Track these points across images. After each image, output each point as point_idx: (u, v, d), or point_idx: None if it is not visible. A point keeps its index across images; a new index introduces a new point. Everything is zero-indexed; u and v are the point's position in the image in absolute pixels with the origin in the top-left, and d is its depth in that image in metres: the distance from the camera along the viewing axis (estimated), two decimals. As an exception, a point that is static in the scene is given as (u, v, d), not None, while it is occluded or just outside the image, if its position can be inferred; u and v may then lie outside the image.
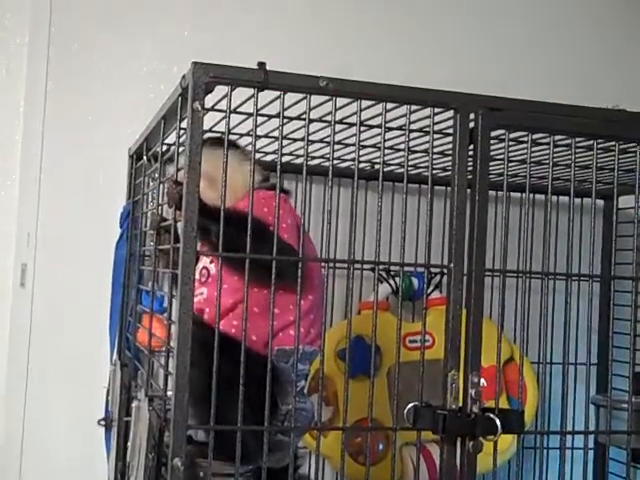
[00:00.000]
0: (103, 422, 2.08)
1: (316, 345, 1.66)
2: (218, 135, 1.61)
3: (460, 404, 1.32)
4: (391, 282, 2.28)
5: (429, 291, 2.24)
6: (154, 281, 1.68)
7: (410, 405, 1.33)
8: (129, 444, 1.61)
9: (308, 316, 1.61)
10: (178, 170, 1.42)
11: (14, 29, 2.33)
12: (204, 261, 1.71)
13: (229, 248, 1.31)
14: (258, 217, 1.43)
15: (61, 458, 2.26)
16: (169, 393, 1.33)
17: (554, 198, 2.07)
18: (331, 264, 2.13)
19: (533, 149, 1.49)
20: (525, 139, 1.49)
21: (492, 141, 1.42)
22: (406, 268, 2.08)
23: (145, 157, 1.90)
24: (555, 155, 1.61)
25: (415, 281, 2.30)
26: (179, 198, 1.41)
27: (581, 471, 1.53)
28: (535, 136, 1.49)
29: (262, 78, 1.30)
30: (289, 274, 1.35)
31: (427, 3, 2.59)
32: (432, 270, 2.14)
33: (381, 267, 2.16)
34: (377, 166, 2.26)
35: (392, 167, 2.18)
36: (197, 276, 1.68)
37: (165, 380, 1.43)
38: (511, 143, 1.51)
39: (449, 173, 2.10)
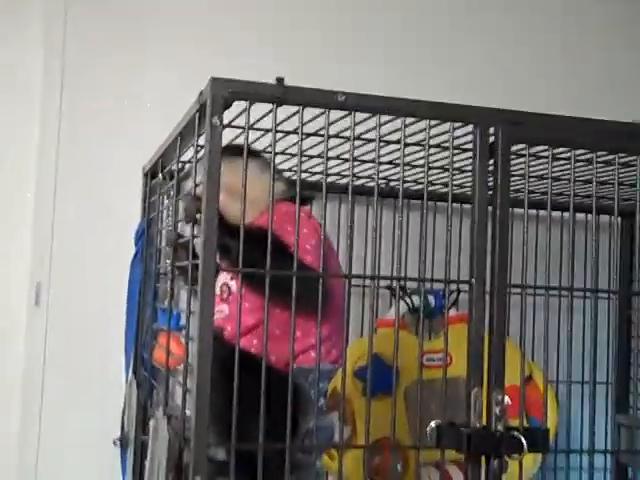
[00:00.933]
0: (119, 441, 2.06)
1: (336, 363, 1.64)
2: (237, 144, 1.55)
3: (484, 422, 1.29)
4: (407, 300, 2.26)
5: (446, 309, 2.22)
6: (171, 299, 1.67)
7: (433, 424, 1.31)
8: (146, 463, 1.59)
9: (329, 340, 1.59)
10: (196, 185, 1.41)
11: (29, 49, 2.33)
12: (224, 277, 1.70)
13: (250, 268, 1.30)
14: (280, 238, 1.42)
15: (77, 477, 2.24)
16: (188, 411, 1.31)
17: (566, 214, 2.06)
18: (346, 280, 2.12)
19: (553, 164, 1.47)
20: (544, 154, 1.48)
21: (511, 156, 1.41)
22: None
23: (161, 174, 1.90)
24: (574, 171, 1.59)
25: (431, 299, 2.28)
26: (197, 213, 1.41)
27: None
28: (555, 151, 1.47)
29: (281, 93, 1.29)
30: (311, 299, 1.33)
31: (446, 21, 2.60)
32: (450, 288, 2.12)
33: (399, 284, 2.14)
34: (392, 183, 2.25)
35: (408, 184, 2.17)
36: (217, 292, 1.67)
37: (184, 398, 1.42)
38: (531, 158, 1.50)
39: (465, 190, 2.12)
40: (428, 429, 1.32)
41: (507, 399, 1.30)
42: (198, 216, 1.34)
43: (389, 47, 2.52)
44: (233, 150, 1.45)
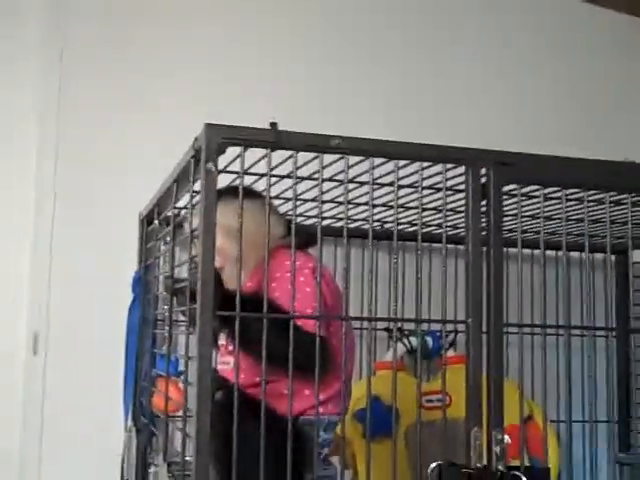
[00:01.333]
0: (119, 490, 2.05)
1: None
2: (235, 185, 1.51)
3: (485, 462, 1.29)
4: (405, 341, 2.27)
5: (444, 350, 2.22)
6: (169, 344, 1.67)
7: (434, 464, 1.31)
8: (147, 512, 1.58)
9: (337, 398, 1.57)
10: (192, 232, 1.42)
11: (21, 95, 2.36)
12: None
13: (251, 337, 1.31)
14: (278, 306, 1.43)
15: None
16: (188, 457, 1.31)
17: (555, 253, 2.08)
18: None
19: (545, 203, 1.49)
20: (536, 194, 1.50)
21: (503, 196, 1.43)
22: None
23: (157, 220, 1.91)
24: (565, 210, 1.61)
25: (429, 340, 2.28)
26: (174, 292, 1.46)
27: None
28: (546, 190, 1.49)
29: (274, 138, 1.31)
30: (312, 368, 1.34)
31: (438, 59, 2.65)
32: (447, 328, 2.13)
33: (396, 326, 2.15)
34: (387, 225, 2.27)
35: (402, 226, 2.18)
36: (223, 342, 1.67)
37: (183, 444, 1.41)
38: (523, 198, 1.52)
39: (459, 231, 2.14)
40: (429, 470, 1.31)
41: (507, 438, 1.30)
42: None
43: (377, 94, 2.56)
44: (231, 192, 1.46)
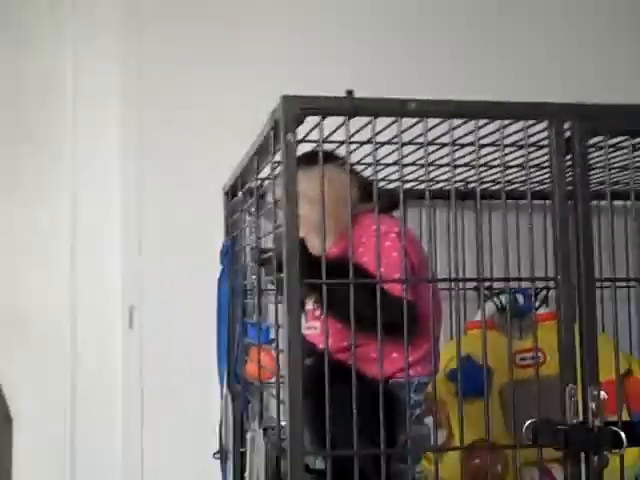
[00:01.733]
0: (218, 455, 2.11)
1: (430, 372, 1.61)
2: (313, 151, 1.50)
3: (581, 418, 1.28)
4: (495, 300, 2.25)
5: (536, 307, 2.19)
6: (259, 314, 1.70)
7: (529, 422, 1.30)
8: (246, 475, 1.63)
9: (425, 359, 1.58)
10: (275, 202, 1.44)
11: (106, 78, 2.42)
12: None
13: (340, 302, 1.32)
14: (365, 270, 1.43)
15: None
16: (283, 423, 1.34)
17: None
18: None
19: (635, 153, 1.45)
20: (624, 144, 1.45)
21: (589, 149, 1.39)
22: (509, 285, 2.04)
23: (240, 193, 1.94)
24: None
25: (520, 298, 2.25)
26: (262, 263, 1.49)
27: None
28: (635, 140, 1.44)
29: (351, 106, 1.31)
30: (400, 331, 1.35)
31: (507, 17, 2.58)
32: (537, 285, 2.10)
33: (485, 285, 2.13)
34: (471, 185, 2.24)
35: (486, 184, 2.16)
36: (310, 307, 1.68)
37: (278, 409, 1.45)
38: (609, 149, 1.47)
39: (545, 186, 2.09)
40: (524, 428, 1.31)
41: (603, 394, 1.28)
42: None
43: (454, 47, 2.52)
44: (311, 158, 1.45)
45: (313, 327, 1.66)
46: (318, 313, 1.66)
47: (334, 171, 1.53)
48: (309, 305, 1.69)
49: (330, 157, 1.58)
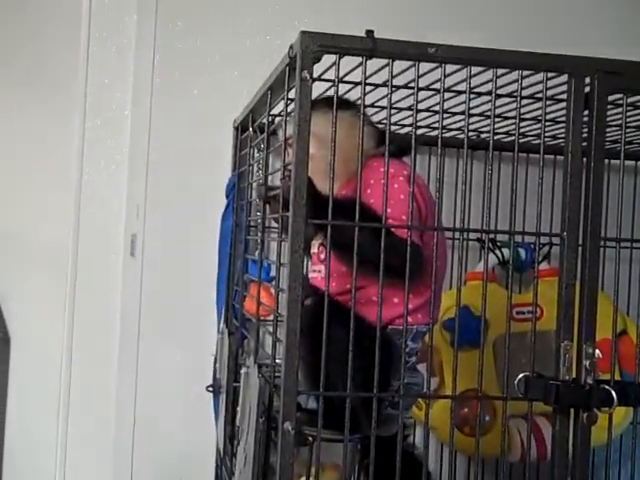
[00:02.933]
0: (211, 388, 2.13)
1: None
2: (327, 96, 1.52)
3: (574, 375, 1.29)
4: (497, 253, 2.25)
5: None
6: (261, 250, 1.70)
7: (521, 375, 1.31)
8: (238, 409, 1.65)
9: (426, 307, 1.57)
10: (287, 140, 1.42)
11: (122, 8, 2.38)
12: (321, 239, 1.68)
13: (344, 243, 1.31)
14: (374, 211, 1.42)
15: (172, 422, 2.34)
16: (278, 360, 1.35)
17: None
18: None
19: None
20: (641, 104, 1.43)
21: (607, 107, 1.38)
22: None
23: (251, 128, 1.92)
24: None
25: (522, 252, 2.26)
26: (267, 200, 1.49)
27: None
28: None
29: (370, 46, 1.28)
30: (403, 275, 1.34)
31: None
32: (541, 241, 2.10)
33: (488, 237, 2.13)
34: (483, 135, 2.22)
35: (499, 136, 2.14)
36: (315, 250, 1.68)
37: (274, 347, 1.46)
38: (629, 108, 1.45)
39: (558, 141, 2.07)
40: (516, 381, 1.32)
41: (598, 352, 1.29)
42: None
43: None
44: (325, 101, 1.44)
45: (317, 270, 1.65)
46: (323, 256, 1.64)
47: (347, 116, 1.52)
48: (314, 248, 1.68)
49: (345, 103, 1.57)
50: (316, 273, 1.66)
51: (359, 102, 1.35)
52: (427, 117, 1.99)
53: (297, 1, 2.38)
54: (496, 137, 2.13)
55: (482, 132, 2.18)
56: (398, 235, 1.43)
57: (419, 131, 2.13)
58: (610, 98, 1.38)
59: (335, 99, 1.31)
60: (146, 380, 2.34)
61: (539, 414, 1.86)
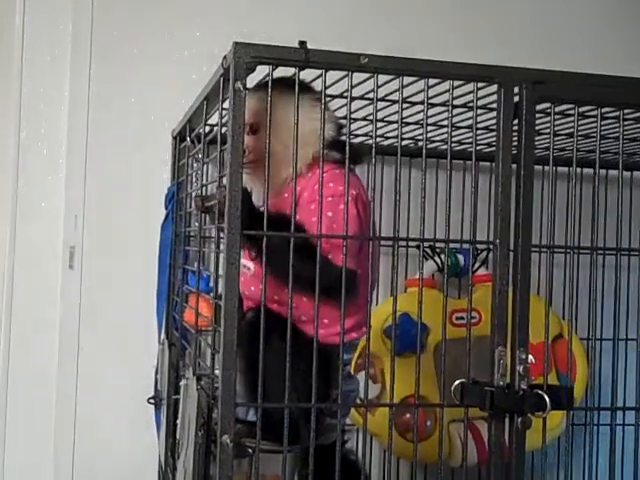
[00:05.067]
0: (152, 400, 2.11)
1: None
2: (288, 76, 1.41)
3: (508, 380, 1.31)
4: (437, 259, 2.27)
5: (475, 268, 2.23)
6: (200, 262, 1.70)
7: (457, 382, 1.33)
8: (178, 421, 1.64)
9: (360, 325, 1.55)
10: (222, 151, 1.42)
11: (58, 16, 2.35)
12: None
13: (276, 260, 1.30)
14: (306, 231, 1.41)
15: (112, 435, 2.31)
16: (216, 371, 1.34)
17: (603, 172, 2.05)
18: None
19: (581, 122, 1.46)
20: (572, 112, 1.47)
21: (538, 115, 1.40)
22: (452, 245, 2.06)
23: (189, 138, 1.91)
24: (603, 127, 1.58)
25: (461, 258, 2.29)
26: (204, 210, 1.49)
27: (632, 448, 1.51)
28: (582, 108, 1.46)
29: (303, 57, 1.29)
30: (338, 293, 1.33)
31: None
32: (478, 247, 2.13)
33: (426, 244, 2.15)
34: (420, 143, 2.25)
35: (436, 143, 2.16)
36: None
37: (212, 359, 1.45)
38: (558, 116, 1.48)
39: (494, 148, 2.10)
40: (453, 387, 1.34)
41: (531, 357, 1.31)
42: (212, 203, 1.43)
43: (410, 7, 2.49)
44: (285, 82, 1.39)
45: (246, 267, 1.61)
46: (254, 254, 1.59)
47: (308, 104, 1.47)
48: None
49: (305, 88, 1.46)
50: (244, 269, 1.59)
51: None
52: (364, 126, 2.01)
53: (234, 10, 2.37)
54: (433, 145, 2.17)
55: (419, 140, 2.21)
56: (333, 261, 1.42)
57: (357, 140, 2.14)
58: (542, 107, 1.41)
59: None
60: (86, 393, 2.30)
61: (479, 418, 1.88)
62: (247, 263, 1.61)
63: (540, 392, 1.29)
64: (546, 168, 1.41)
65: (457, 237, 2.10)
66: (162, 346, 2.07)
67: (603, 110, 1.45)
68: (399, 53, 1.35)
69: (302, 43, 1.30)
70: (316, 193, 1.43)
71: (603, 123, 1.50)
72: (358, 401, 1.75)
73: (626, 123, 1.49)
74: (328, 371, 1.43)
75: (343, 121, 1.52)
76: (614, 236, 1.47)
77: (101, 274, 2.31)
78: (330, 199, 1.46)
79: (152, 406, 2.13)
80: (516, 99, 1.37)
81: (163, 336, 2.10)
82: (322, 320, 1.43)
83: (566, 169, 1.81)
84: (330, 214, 1.45)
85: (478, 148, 1.85)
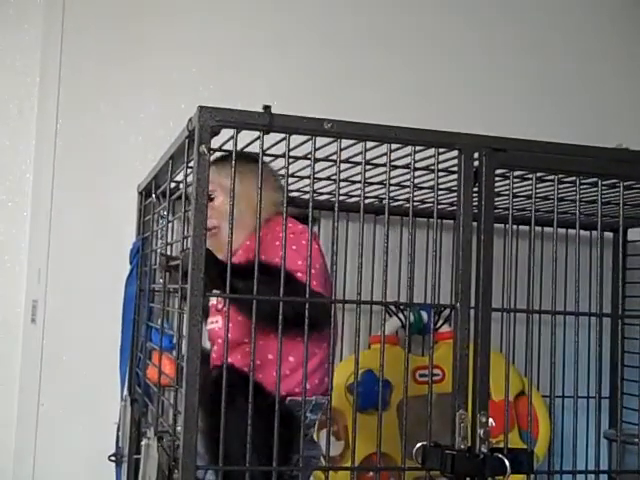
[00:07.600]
0: (114, 458, 2.08)
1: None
2: (249, 152, 1.48)
3: (469, 444, 1.31)
4: (400, 316, 2.29)
5: (439, 325, 2.25)
6: (163, 319, 1.69)
7: (419, 445, 1.33)
8: (139, 482, 1.62)
9: (323, 366, 1.57)
10: (186, 211, 1.43)
11: (25, 70, 2.37)
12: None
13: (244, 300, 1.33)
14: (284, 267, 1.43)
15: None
16: (178, 428, 1.33)
17: (563, 231, 2.09)
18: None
19: (540, 184, 1.49)
20: (530, 175, 1.50)
21: (498, 177, 1.44)
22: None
23: (154, 195, 1.92)
24: (562, 190, 1.62)
25: (425, 315, 2.30)
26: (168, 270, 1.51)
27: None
28: (540, 173, 1.50)
29: (267, 121, 1.31)
30: (312, 325, 1.34)
31: (431, 43, 2.62)
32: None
33: (385, 307, 2.17)
34: (384, 202, 2.27)
35: (400, 202, 2.19)
36: (213, 301, 1.67)
37: (174, 418, 1.44)
38: (517, 180, 1.52)
39: (455, 208, 2.14)
40: (414, 450, 1.34)
41: (491, 421, 1.32)
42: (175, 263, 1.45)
43: (374, 73, 2.55)
44: (245, 155, 1.44)
45: (215, 321, 1.64)
46: (221, 306, 1.62)
47: (255, 171, 1.51)
48: (213, 300, 1.68)
49: (255, 160, 1.54)
50: (213, 324, 1.65)
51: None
52: (328, 185, 2.03)
53: (201, 66, 2.40)
54: (398, 203, 2.19)
55: (384, 199, 2.23)
56: (302, 283, 1.44)
57: (323, 197, 2.16)
58: (501, 170, 1.45)
59: (233, 173, 1.32)
60: (46, 450, 2.26)
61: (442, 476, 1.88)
62: (214, 318, 1.63)
63: (500, 456, 1.29)
64: (508, 226, 1.46)
65: (421, 293, 2.15)
66: (124, 402, 2.05)
67: (560, 175, 1.49)
68: (362, 116, 1.39)
69: (266, 107, 1.32)
70: (274, 241, 1.53)
71: (561, 186, 1.54)
72: (322, 459, 1.74)
73: (583, 187, 1.53)
74: (290, 432, 1.43)
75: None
76: (574, 296, 1.51)
77: (64, 328, 2.29)
78: (292, 235, 1.53)
79: (113, 463, 2.09)
80: (476, 163, 1.40)
81: (126, 392, 2.08)
82: (288, 358, 1.46)
83: (527, 228, 1.85)
84: (294, 247, 1.52)
85: (441, 207, 1.89)
